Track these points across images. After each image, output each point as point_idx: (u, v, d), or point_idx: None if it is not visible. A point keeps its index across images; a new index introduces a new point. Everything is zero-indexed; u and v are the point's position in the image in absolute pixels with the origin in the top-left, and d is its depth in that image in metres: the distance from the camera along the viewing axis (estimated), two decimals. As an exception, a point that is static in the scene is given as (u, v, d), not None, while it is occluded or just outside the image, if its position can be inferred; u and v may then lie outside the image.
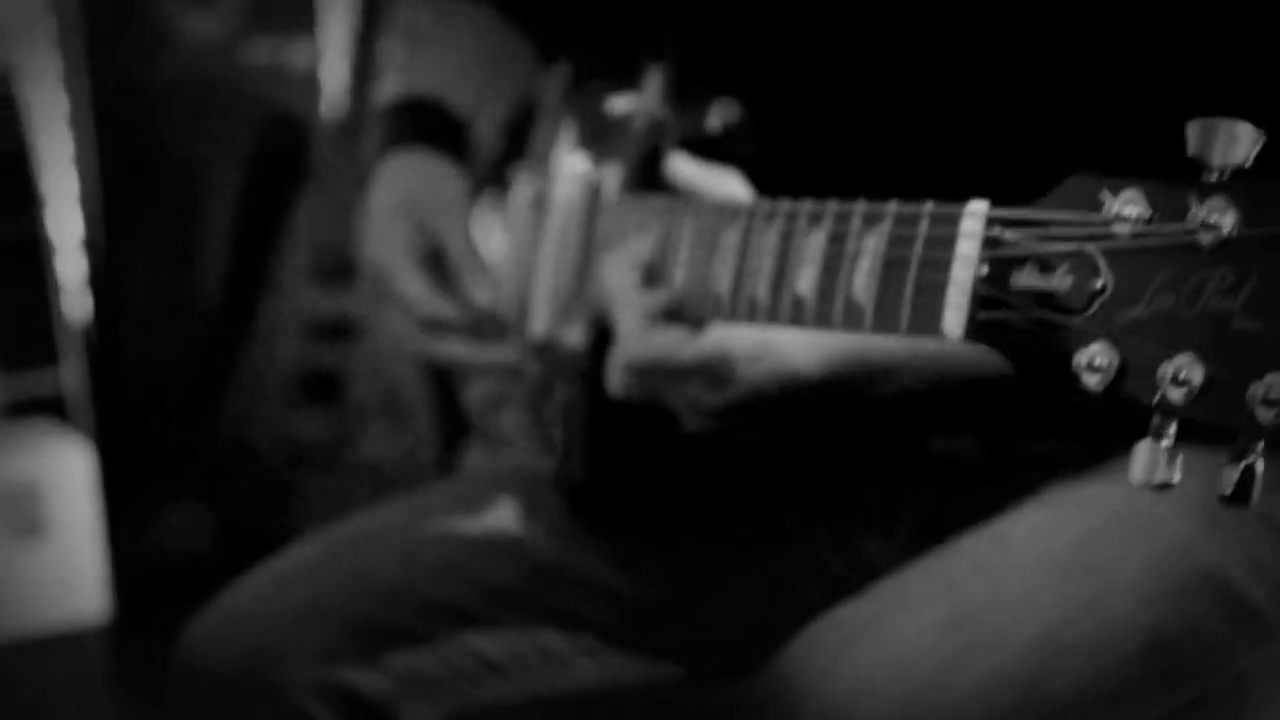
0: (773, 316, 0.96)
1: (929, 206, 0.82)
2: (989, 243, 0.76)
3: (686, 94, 1.17)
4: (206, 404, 3.19)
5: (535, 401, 1.45)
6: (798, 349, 1.05)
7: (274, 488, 3.11)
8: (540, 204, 1.41)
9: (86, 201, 3.15)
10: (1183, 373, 0.64)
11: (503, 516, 1.34)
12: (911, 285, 0.82)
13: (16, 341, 2.76)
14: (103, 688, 2.47)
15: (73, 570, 2.44)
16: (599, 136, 1.37)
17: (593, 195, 1.30)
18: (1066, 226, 0.71)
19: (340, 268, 3.15)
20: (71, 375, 2.81)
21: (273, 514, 3.09)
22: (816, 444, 1.28)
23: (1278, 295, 0.61)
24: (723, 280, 1.02)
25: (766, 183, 1.10)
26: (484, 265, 1.34)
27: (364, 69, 3.13)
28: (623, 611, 1.30)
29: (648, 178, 1.20)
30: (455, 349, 1.35)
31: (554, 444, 1.40)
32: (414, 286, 1.35)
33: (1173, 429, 0.66)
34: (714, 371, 1.05)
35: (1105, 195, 0.69)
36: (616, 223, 1.21)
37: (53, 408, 2.76)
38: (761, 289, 0.97)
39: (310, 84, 3.33)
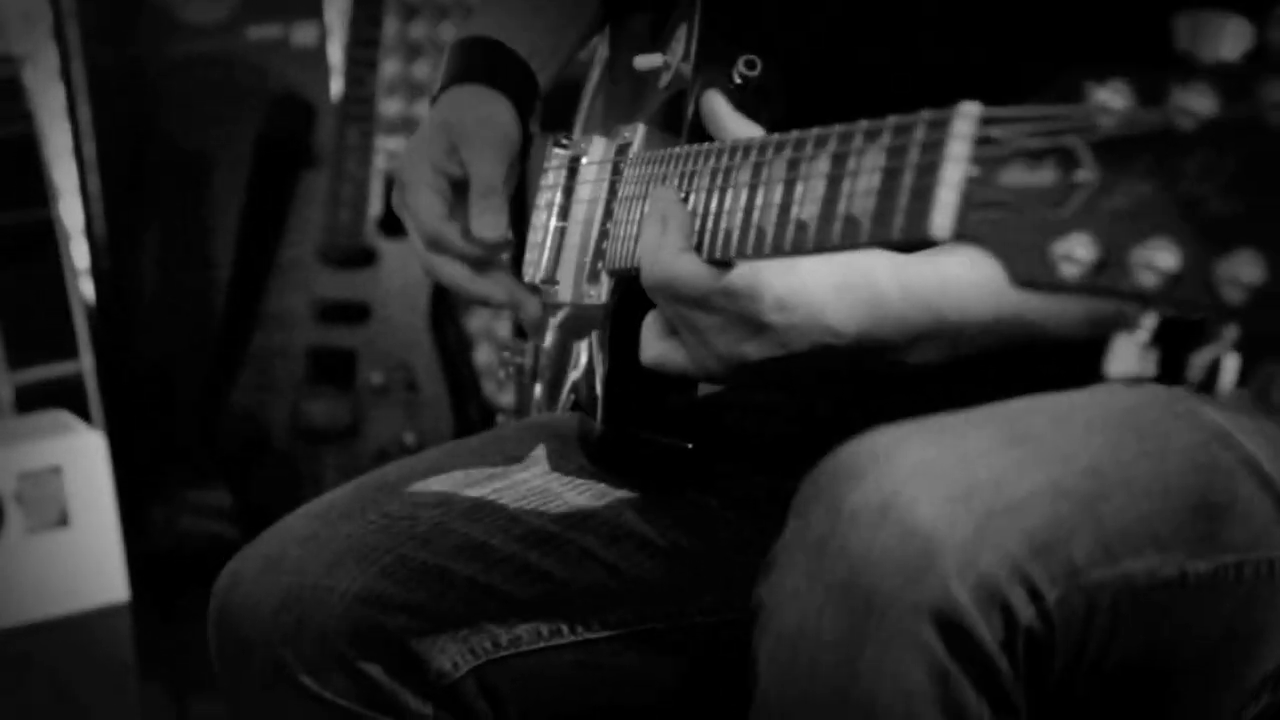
0: (777, 246, 0.97)
1: (925, 114, 0.82)
2: (980, 142, 0.76)
3: (712, 50, 1.17)
4: (220, 388, 3.20)
5: (556, 362, 1.47)
6: (831, 303, 1.05)
7: (290, 470, 3.12)
8: (573, 173, 1.42)
9: (90, 189, 3.16)
10: (1156, 257, 0.63)
11: (536, 461, 1.35)
12: (906, 192, 0.82)
13: (35, 330, 2.77)
14: (123, 670, 2.48)
15: (94, 556, 2.45)
16: (630, 99, 1.38)
17: (619, 157, 1.30)
18: (1053, 121, 0.70)
19: (350, 249, 3.15)
20: (88, 363, 2.82)
21: (289, 496, 3.11)
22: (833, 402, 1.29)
23: (1254, 177, 0.61)
24: (736, 215, 1.02)
25: None
26: (497, 204, 1.34)
27: (370, 49, 3.13)
28: (655, 559, 1.31)
29: (674, 133, 1.21)
30: (453, 272, 1.36)
31: (575, 402, 1.41)
32: (426, 201, 1.35)
33: (1149, 321, 0.66)
34: (742, 309, 1.05)
35: (1089, 86, 0.68)
36: (638, 176, 1.22)
37: (72, 396, 2.77)
38: (770, 220, 0.98)
39: (317, 64, 3.34)
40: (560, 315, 1.45)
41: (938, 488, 0.96)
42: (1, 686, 2.41)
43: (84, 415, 2.71)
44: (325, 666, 1.24)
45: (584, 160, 1.40)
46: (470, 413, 3.14)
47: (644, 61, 1.30)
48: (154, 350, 3.37)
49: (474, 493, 1.31)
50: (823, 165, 0.92)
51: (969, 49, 1.19)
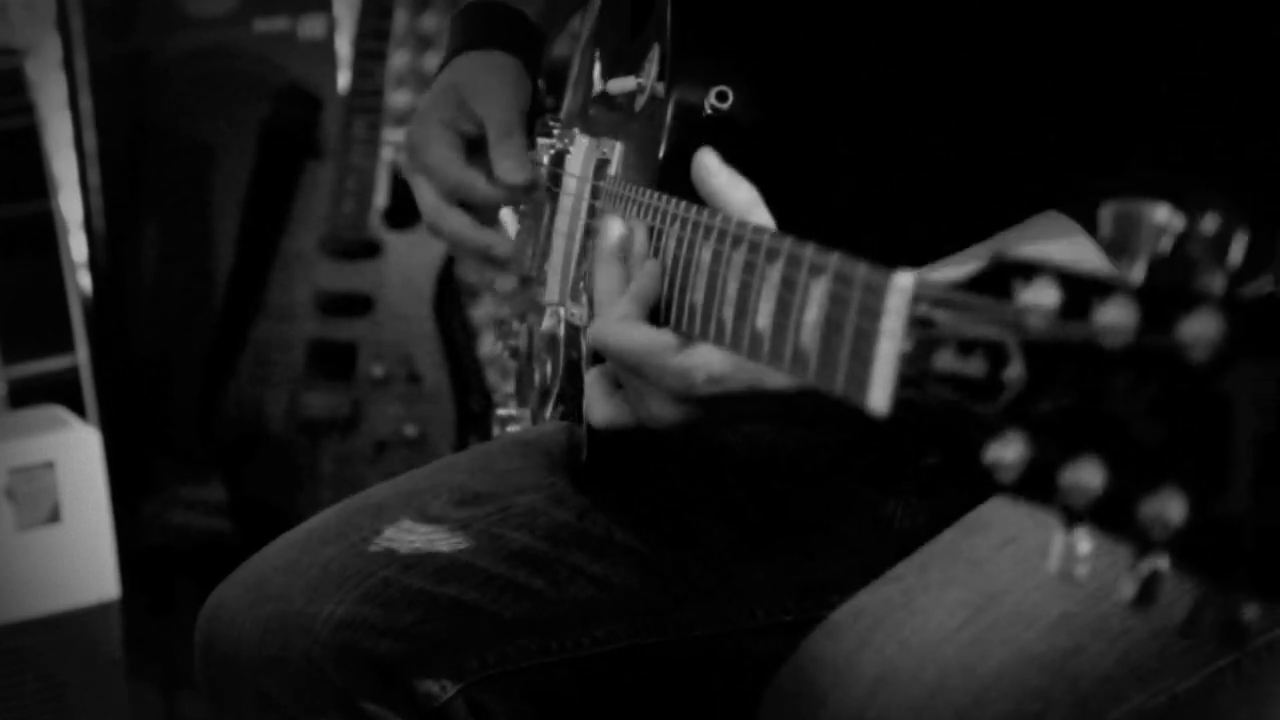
0: (735, 345, 0.96)
1: (862, 271, 0.80)
2: (915, 322, 0.74)
3: (684, 78, 1.16)
4: (218, 381, 3.20)
5: (548, 355, 1.46)
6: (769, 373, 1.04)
7: (287, 463, 3.13)
8: (556, 168, 1.41)
9: (90, 182, 3.15)
10: (1082, 477, 0.62)
11: (523, 481, 1.35)
12: (847, 350, 0.81)
13: (31, 324, 2.77)
14: (113, 667, 2.48)
15: (87, 553, 2.45)
16: (611, 106, 1.37)
17: (598, 177, 1.30)
18: (983, 312, 0.69)
19: (354, 241, 3.14)
20: (84, 357, 2.82)
21: (286, 490, 3.11)
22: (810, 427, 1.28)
23: (1176, 410, 0.59)
24: (698, 293, 1.01)
25: (772, 170, 1.10)
26: (519, 145, 1.35)
27: (379, 41, 3.12)
28: (644, 573, 1.31)
29: (649, 159, 1.20)
30: (459, 223, 1.37)
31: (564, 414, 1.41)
32: (442, 154, 1.36)
33: (1082, 528, 0.64)
34: (670, 386, 1.04)
35: (1018, 282, 0.67)
36: (612, 204, 1.22)
37: (67, 390, 2.77)
38: (729, 315, 0.96)
39: (324, 57, 3.32)
40: (548, 313, 1.45)
41: (902, 700, 0.94)
42: (-10, 682, 2.42)
43: (79, 410, 2.71)
44: (311, 693, 1.24)
45: (568, 158, 1.39)
46: (472, 404, 3.13)
47: (618, 86, 1.29)
48: (151, 345, 3.37)
49: (460, 513, 1.31)
50: (775, 277, 0.91)
51: (940, 87, 1.18)
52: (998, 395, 0.67)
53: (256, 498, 3.15)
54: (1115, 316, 0.62)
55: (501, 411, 1.60)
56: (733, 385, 1.02)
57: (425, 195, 1.38)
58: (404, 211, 3.13)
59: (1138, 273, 0.64)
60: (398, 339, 3.12)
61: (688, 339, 1.03)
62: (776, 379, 1.01)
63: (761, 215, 1.04)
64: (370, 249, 3.15)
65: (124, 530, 2.53)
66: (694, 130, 1.14)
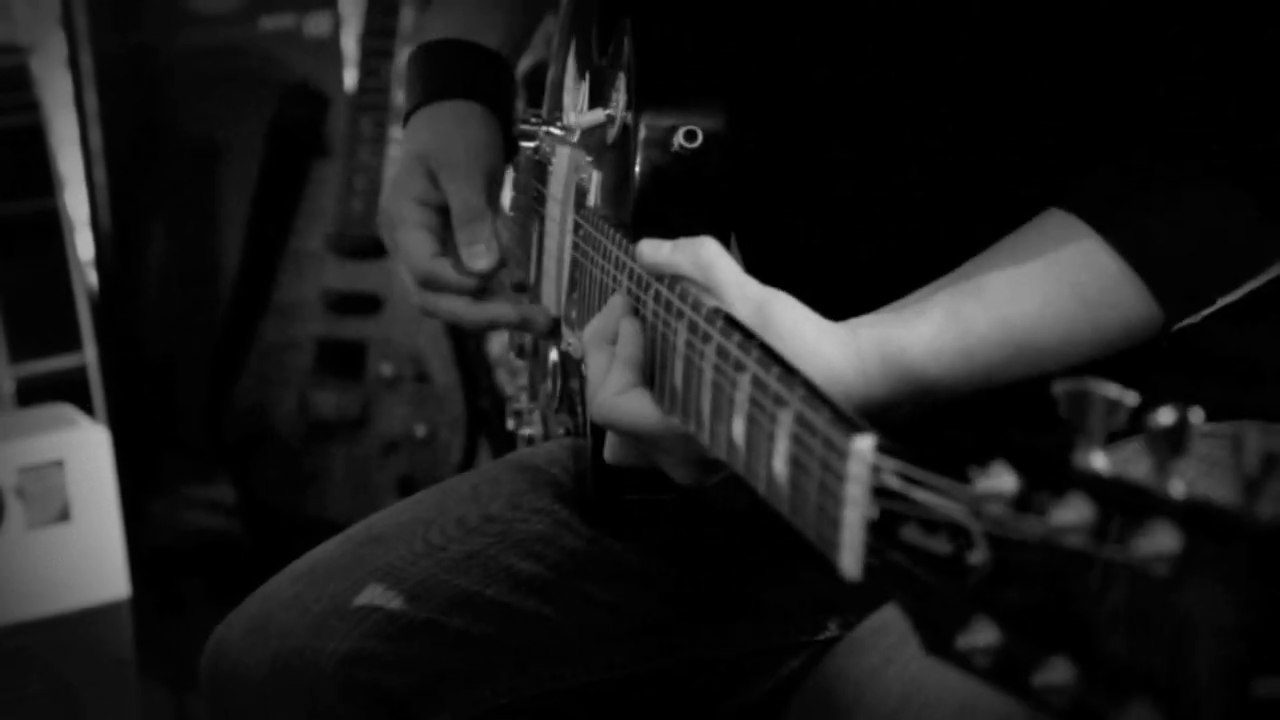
0: (714, 446, 0.93)
1: (823, 421, 0.78)
2: (879, 491, 0.72)
3: (650, 114, 1.13)
4: (226, 381, 3.20)
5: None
6: None
7: (295, 463, 3.12)
8: (542, 170, 1.39)
9: (96, 179, 3.15)
10: (1055, 678, 0.61)
11: (529, 506, 1.33)
12: (814, 505, 0.78)
13: (38, 323, 2.77)
14: (123, 666, 2.48)
15: (96, 552, 2.44)
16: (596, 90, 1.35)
17: (580, 198, 1.28)
18: (944, 493, 0.67)
19: (362, 240, 3.14)
20: (91, 356, 2.82)
21: (295, 490, 3.10)
22: None
23: (1140, 622, 0.58)
24: (677, 376, 0.98)
25: (751, 194, 1.09)
26: (485, 230, 1.32)
27: (385, 39, 3.12)
28: (655, 596, 1.29)
29: (623, 196, 1.18)
30: (452, 306, 1.34)
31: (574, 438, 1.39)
32: (414, 240, 1.33)
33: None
34: (689, 451, 1.01)
35: (973, 471, 0.65)
36: (594, 253, 1.19)
37: (75, 389, 2.76)
38: (706, 412, 0.93)
39: (331, 55, 3.32)
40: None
41: (928, 718, 0.93)
42: (1, 682, 2.40)
43: (87, 409, 2.70)
44: None
45: (550, 169, 1.36)
46: (482, 403, 3.12)
47: (588, 119, 1.25)
48: (159, 343, 3.38)
49: (466, 543, 1.29)
50: (745, 388, 0.88)
51: (928, 94, 1.15)
52: (965, 578, 0.66)
53: (265, 497, 3.14)
54: (1072, 517, 0.60)
55: (516, 410, 1.58)
56: None
57: (406, 277, 1.36)
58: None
59: (1097, 460, 0.62)
60: (407, 338, 3.12)
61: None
62: None
63: (727, 266, 1.01)
64: (378, 248, 3.13)
65: (131, 530, 2.52)
66: (665, 164, 1.12)
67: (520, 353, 1.60)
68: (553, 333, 1.35)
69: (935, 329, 1.00)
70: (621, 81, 1.19)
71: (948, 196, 1.16)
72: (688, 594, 1.30)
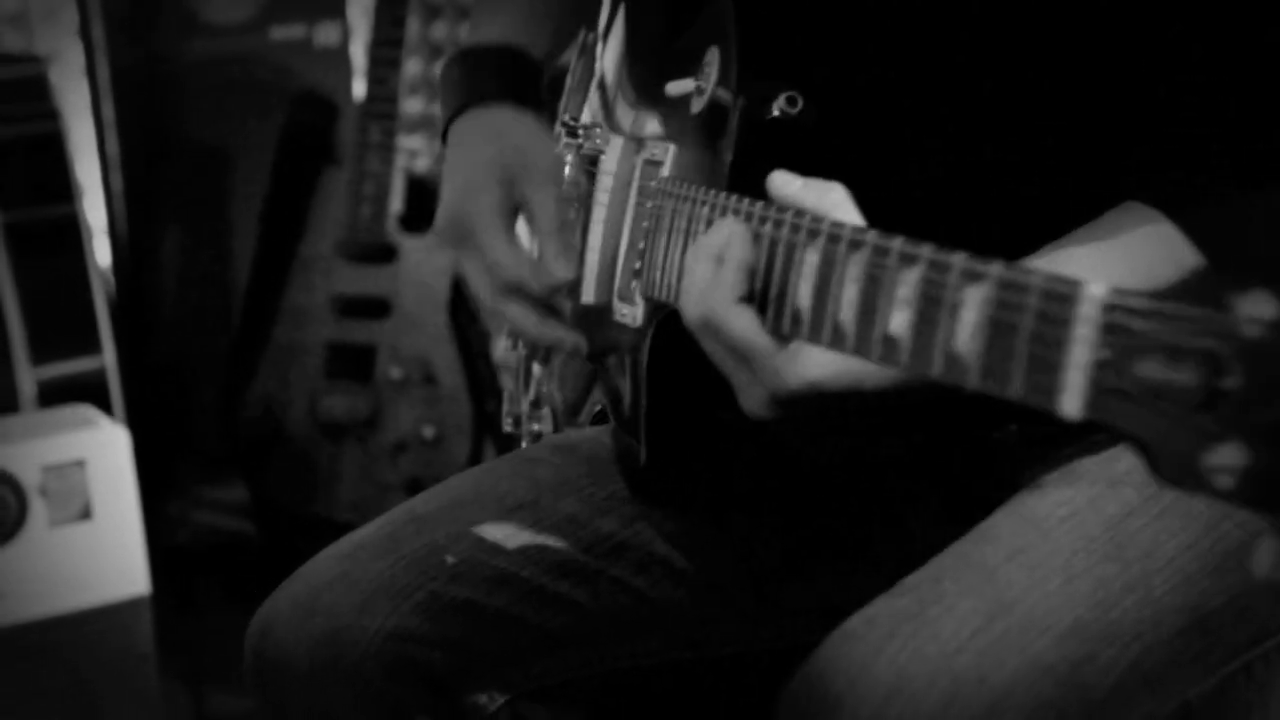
0: (859, 349, 0.92)
1: (1038, 279, 0.78)
2: (1109, 328, 0.72)
3: (752, 81, 1.12)
4: (239, 383, 3.22)
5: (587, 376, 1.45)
6: (873, 372, 1.00)
7: (307, 464, 3.14)
8: (589, 168, 1.38)
9: (113, 187, 3.17)
10: None
11: (566, 486, 1.34)
12: (1025, 356, 0.78)
13: (58, 326, 2.78)
14: (143, 662, 2.49)
15: (117, 549, 2.46)
16: (642, 95, 1.35)
17: (645, 176, 1.27)
18: (1192, 323, 0.68)
19: (371, 245, 3.16)
20: (110, 358, 2.84)
21: (307, 491, 3.12)
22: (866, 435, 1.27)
23: None
24: (804, 297, 0.97)
25: (846, 167, 1.05)
26: (569, 242, 1.31)
27: (393, 48, 3.14)
28: (686, 589, 1.31)
29: (707, 163, 1.17)
30: (525, 319, 1.33)
31: (601, 413, 1.40)
32: (500, 247, 1.32)
33: None
34: (777, 386, 1.00)
35: (1233, 296, 0.66)
36: (676, 208, 1.17)
37: (95, 391, 2.78)
38: (847, 316, 0.92)
39: (340, 64, 3.35)
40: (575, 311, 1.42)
41: (916, 709, 0.95)
42: (22, 678, 2.42)
43: (106, 411, 2.72)
44: (364, 706, 1.24)
45: (603, 157, 1.36)
46: (489, 406, 3.15)
47: (676, 88, 1.25)
48: (175, 346, 3.39)
49: (503, 524, 1.30)
50: (910, 281, 0.88)
51: (1014, 91, 1.15)
52: (1214, 403, 0.66)
53: (277, 498, 3.16)
54: None
55: (527, 423, 1.58)
56: (829, 389, 0.99)
57: (479, 280, 1.34)
58: (419, 217, 3.15)
59: None
60: (415, 342, 3.14)
61: (786, 341, 1.00)
62: (877, 379, 0.98)
63: (851, 214, 1.00)
64: (386, 253, 3.17)
65: (146, 531, 2.53)
66: (760, 134, 1.10)
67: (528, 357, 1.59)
68: (590, 358, 1.35)
69: None
70: (714, 55, 1.18)
71: (948, 196, 1.17)
72: (712, 589, 1.31)
